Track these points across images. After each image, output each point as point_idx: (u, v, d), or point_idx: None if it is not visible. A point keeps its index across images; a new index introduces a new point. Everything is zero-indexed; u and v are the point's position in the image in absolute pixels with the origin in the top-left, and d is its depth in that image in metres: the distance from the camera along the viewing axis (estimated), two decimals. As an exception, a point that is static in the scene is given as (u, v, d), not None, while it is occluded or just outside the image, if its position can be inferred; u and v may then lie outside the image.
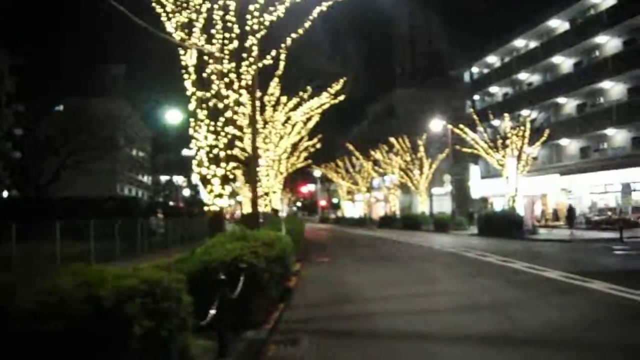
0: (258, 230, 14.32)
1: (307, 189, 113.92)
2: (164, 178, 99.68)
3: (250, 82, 14.48)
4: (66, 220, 21.95)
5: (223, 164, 13.33)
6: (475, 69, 64.11)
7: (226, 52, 13.46)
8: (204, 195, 13.50)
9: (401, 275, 16.09)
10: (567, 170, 45.81)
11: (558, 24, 49.63)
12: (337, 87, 24.89)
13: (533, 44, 52.97)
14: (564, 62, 49.03)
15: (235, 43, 13.58)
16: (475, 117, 41.61)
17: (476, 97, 62.33)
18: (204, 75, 13.37)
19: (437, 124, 50.25)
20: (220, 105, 13.42)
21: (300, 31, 14.43)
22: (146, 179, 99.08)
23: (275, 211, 26.78)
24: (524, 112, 44.07)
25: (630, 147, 41.13)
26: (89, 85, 71.16)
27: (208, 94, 13.35)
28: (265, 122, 24.60)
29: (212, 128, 13.32)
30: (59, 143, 52.56)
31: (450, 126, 44.08)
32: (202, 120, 13.30)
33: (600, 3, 44.21)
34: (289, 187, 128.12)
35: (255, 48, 13.82)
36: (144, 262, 13.96)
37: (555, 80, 49.29)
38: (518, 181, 37.80)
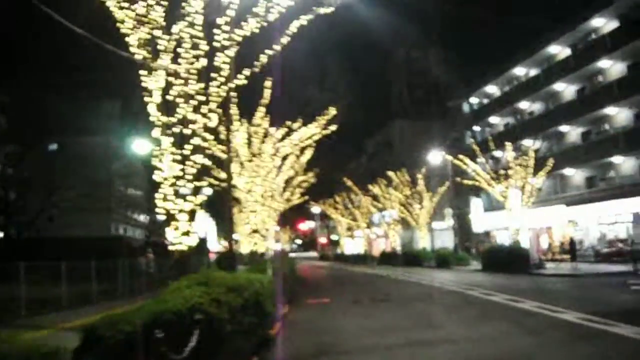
0: (234, 272, 12.72)
1: (306, 226, 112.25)
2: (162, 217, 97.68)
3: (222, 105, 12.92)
4: (46, 261, 20.92)
5: (191, 198, 11.71)
6: (474, 99, 62.70)
7: (193, 71, 11.93)
8: (170, 233, 11.82)
9: (399, 319, 14.29)
10: (573, 200, 43.98)
11: (559, 50, 48.25)
12: (327, 116, 23.23)
13: (534, 72, 51.54)
14: (566, 89, 47.50)
15: (204, 61, 12.05)
16: (475, 147, 40.16)
17: (476, 128, 60.87)
18: (169, 97, 11.83)
19: (436, 156, 48.70)
20: (187, 132, 11.84)
21: (278, 47, 12.85)
22: (143, 217, 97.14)
23: (262, 251, 24.75)
24: (527, 142, 42.57)
25: (639, 174, 39.42)
26: (83, 122, 70.02)
27: (173, 119, 11.79)
28: (253, 155, 22.92)
29: (177, 157, 11.74)
30: (41, 182, 51.57)
31: (450, 158, 42.38)
32: (165, 149, 11.74)
33: (602, 27, 42.78)
34: (287, 224, 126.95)
35: (226, 66, 12.27)
36: (118, 307, 12.33)
37: (558, 108, 47.65)
38: (522, 213, 36.11)
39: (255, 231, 23.43)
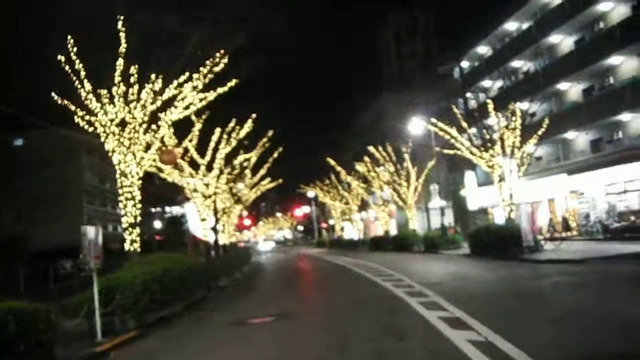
0: None
1: (301, 211, 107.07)
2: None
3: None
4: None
5: None
6: (465, 63, 56.31)
7: None
8: None
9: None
10: (576, 168, 37.81)
11: (553, -3, 41.85)
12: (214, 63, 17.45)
13: (527, 25, 45.30)
14: (563, 41, 41.28)
15: None
16: (458, 115, 34.40)
17: (469, 94, 54.54)
18: None
19: (418, 126, 42.71)
20: None
21: None
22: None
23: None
24: (524, 105, 36.48)
25: (652, 133, 33.30)
26: (52, 111, 65.22)
27: None
28: (119, 125, 17.17)
29: None
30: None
31: (431, 127, 36.36)
32: None
33: (599, -37, 36.21)
34: (284, 210, 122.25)
35: None
36: None
37: (555, 63, 41.42)
38: (515, 185, 30.36)
39: (132, 225, 17.75)
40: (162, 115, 18.01)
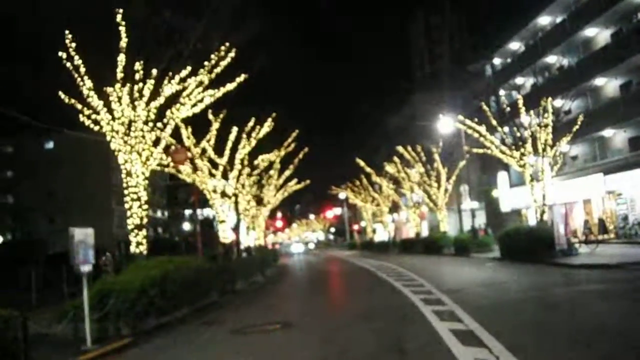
0: None
1: (332, 213, 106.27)
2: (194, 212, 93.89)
3: None
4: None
5: None
6: (497, 60, 54.57)
7: None
8: None
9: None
10: (613, 167, 36.14)
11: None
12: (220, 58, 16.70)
13: (560, 19, 43.57)
14: (599, 34, 39.59)
15: None
16: (488, 113, 33.15)
17: (502, 91, 52.75)
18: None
19: (448, 125, 41.34)
20: None
21: None
22: (159, 213, 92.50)
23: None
24: (557, 102, 34.90)
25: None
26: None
27: None
28: (130, 122, 16.48)
29: None
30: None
31: (461, 126, 35.24)
32: None
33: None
34: (319, 212, 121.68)
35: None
36: None
37: (590, 58, 39.62)
38: (548, 185, 29.06)
39: (138, 227, 16.99)
40: (168, 112, 17.25)
